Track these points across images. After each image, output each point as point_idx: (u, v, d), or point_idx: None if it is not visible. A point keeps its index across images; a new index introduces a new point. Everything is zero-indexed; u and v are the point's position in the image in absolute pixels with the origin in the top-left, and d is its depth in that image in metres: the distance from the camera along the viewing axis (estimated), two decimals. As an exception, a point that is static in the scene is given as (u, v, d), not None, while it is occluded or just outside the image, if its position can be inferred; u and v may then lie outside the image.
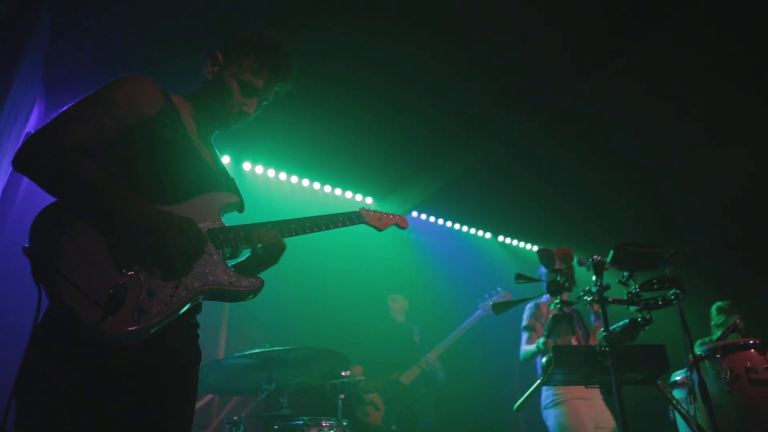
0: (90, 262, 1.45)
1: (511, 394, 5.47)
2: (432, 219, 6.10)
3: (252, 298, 1.70)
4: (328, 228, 1.99)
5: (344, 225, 2.06)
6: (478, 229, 6.37)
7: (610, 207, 5.96)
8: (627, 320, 2.70)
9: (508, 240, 6.57)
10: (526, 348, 3.66)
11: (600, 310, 2.63)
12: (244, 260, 1.83)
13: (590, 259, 2.66)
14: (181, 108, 1.86)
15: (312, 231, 1.94)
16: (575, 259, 3.55)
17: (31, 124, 3.44)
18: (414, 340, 4.79)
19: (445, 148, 5.18)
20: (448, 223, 6.20)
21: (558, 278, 2.83)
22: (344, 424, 3.21)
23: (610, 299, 2.57)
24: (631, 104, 4.70)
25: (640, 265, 2.72)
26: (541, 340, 3.45)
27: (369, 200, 5.76)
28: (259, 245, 1.76)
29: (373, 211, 2.23)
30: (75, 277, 1.40)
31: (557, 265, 2.86)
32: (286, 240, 1.84)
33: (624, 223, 6.15)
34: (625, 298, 2.67)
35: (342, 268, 5.07)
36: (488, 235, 6.45)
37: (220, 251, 1.68)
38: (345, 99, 4.58)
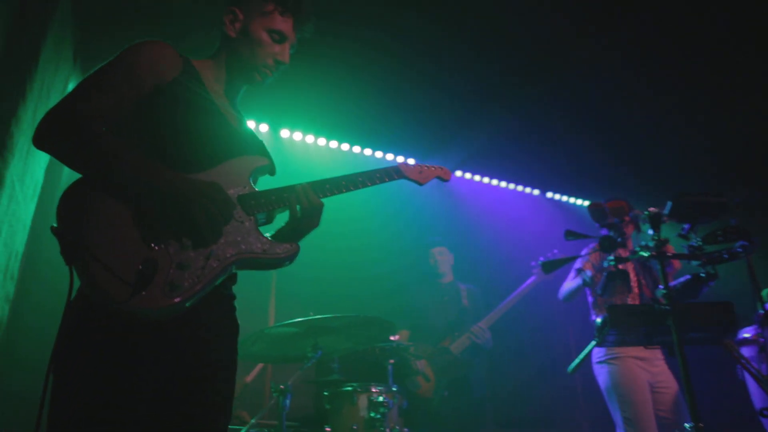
0: (118, 237, 1.42)
1: (567, 357, 5.35)
2: (477, 178, 5.92)
3: (288, 264, 1.64)
4: (365, 185, 1.89)
5: (382, 181, 1.94)
6: (525, 186, 6.14)
7: (665, 155, 5.61)
8: (689, 276, 2.52)
9: (557, 196, 6.32)
10: (569, 284, 3.48)
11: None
12: (281, 227, 1.77)
13: (646, 212, 2.48)
14: (203, 71, 1.80)
15: (348, 190, 1.85)
16: (630, 213, 3.35)
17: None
18: (463, 303, 4.63)
19: (487, 104, 4.96)
20: (494, 182, 6.01)
21: (611, 233, 2.67)
22: (394, 389, 3.18)
23: (669, 254, 2.40)
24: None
25: (702, 215, 2.51)
26: (588, 273, 3.24)
27: (411, 161, 5.61)
28: (298, 207, 1.69)
29: (413, 164, 2.11)
30: (103, 254, 1.37)
31: (609, 220, 2.69)
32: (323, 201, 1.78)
33: (681, 172, 5.80)
34: (686, 252, 2.48)
35: (383, 229, 4.98)
36: (536, 191, 6.22)
37: (252, 218, 1.63)
38: (381, 61, 4.43)
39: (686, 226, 2.56)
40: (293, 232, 1.73)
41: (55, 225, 1.40)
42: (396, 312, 4.61)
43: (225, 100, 1.84)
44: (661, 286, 2.50)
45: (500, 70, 4.63)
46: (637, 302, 3.38)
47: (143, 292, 1.37)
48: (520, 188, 6.14)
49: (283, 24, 1.81)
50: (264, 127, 5.06)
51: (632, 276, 3.47)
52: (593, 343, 2.56)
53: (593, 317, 3.45)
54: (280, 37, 1.81)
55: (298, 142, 5.19)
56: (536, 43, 4.33)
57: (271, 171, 1.83)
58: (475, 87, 4.79)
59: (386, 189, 5.16)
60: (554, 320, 5.12)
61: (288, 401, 2.65)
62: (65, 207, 1.43)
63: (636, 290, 3.45)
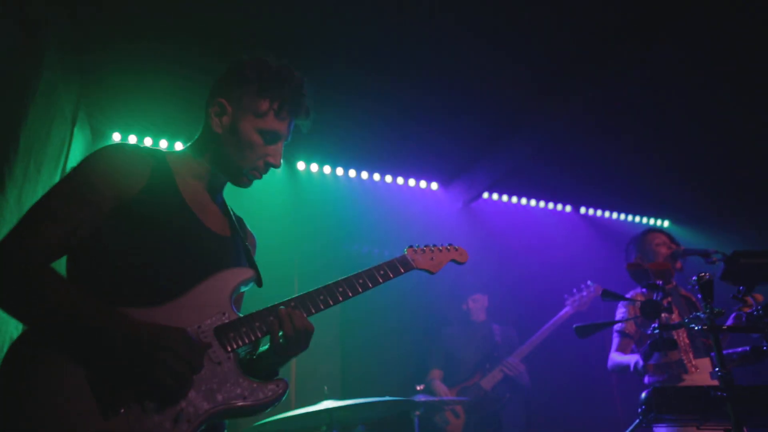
0: (67, 411, 1.20)
1: (609, 394, 5.03)
2: (505, 198, 5.63)
3: (271, 407, 1.41)
4: (366, 288, 1.66)
5: (387, 279, 1.71)
6: (557, 203, 5.81)
7: (708, 165, 5.21)
8: (747, 348, 2.22)
9: (591, 211, 5.97)
10: (618, 359, 3.16)
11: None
12: (263, 351, 1.55)
13: (694, 278, 2.18)
14: (179, 168, 1.59)
15: (347, 297, 1.62)
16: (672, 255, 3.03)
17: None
18: (495, 340, 4.42)
19: (511, 125, 4.67)
20: (523, 201, 5.70)
21: (653, 295, 2.38)
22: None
23: (725, 326, 2.10)
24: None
25: (760, 277, 2.21)
26: (637, 361, 2.92)
27: (434, 185, 5.38)
28: (281, 334, 1.46)
29: (423, 249, 1.87)
30: None
31: (652, 281, 2.40)
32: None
33: (718, 184, 5.40)
34: (743, 320, 2.18)
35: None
36: (568, 208, 5.89)
37: (230, 355, 1.40)
38: (397, 85, 4.19)
39: (741, 288, 2.26)
40: (276, 357, 1.51)
41: None
42: (428, 352, 4.44)
43: (206, 197, 1.64)
44: (713, 354, 2.21)
45: (522, 90, 4.35)
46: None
47: None
48: (551, 206, 5.81)
49: (279, 124, 1.59)
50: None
51: (675, 313, 3.14)
52: (636, 422, 2.28)
53: (644, 378, 3.07)
54: (273, 138, 1.59)
55: (315, 174, 4.99)
56: (561, 54, 4.03)
57: (258, 282, 1.61)
58: (498, 104, 4.50)
59: (404, 208, 5.01)
60: (596, 354, 4.81)
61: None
62: (6, 375, 1.23)
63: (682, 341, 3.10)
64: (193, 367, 1.30)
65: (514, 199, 5.65)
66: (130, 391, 1.26)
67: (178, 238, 1.48)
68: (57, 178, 2.91)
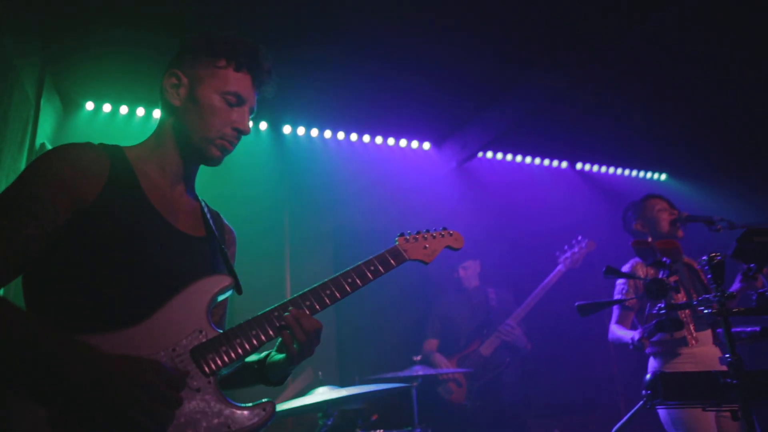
0: None
1: (607, 359, 5.03)
2: (499, 156, 5.46)
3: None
4: (356, 288, 1.52)
5: (378, 275, 1.57)
6: (552, 159, 5.65)
7: (709, 118, 5.04)
8: (758, 328, 2.13)
9: (587, 167, 5.82)
10: (618, 332, 3.05)
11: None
12: (278, 360, 1.45)
13: (704, 257, 2.06)
14: (140, 164, 1.42)
15: (335, 300, 1.48)
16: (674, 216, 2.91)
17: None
18: (491, 305, 4.36)
19: (507, 81, 4.45)
20: (518, 158, 5.53)
21: (659, 273, 2.27)
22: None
23: (734, 309, 1.99)
24: None
25: (774, 255, 2.09)
26: (633, 337, 2.81)
27: (426, 145, 5.20)
28: (295, 345, 1.37)
29: (415, 237, 1.70)
30: None
31: (658, 258, 2.28)
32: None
33: (716, 137, 5.24)
34: (755, 300, 2.08)
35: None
36: (564, 164, 5.73)
37: (210, 379, 1.27)
38: (386, 40, 3.94)
39: (752, 265, 2.15)
40: (290, 365, 1.42)
41: None
42: (423, 322, 4.39)
43: (175, 193, 1.47)
44: (720, 331, 2.12)
45: (517, 48, 4.10)
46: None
47: None
48: (547, 162, 5.65)
49: (239, 83, 1.44)
50: (263, 125, 4.66)
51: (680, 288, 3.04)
52: (640, 404, 2.21)
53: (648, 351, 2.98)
54: (237, 100, 1.44)
55: (302, 137, 4.78)
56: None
57: (237, 289, 1.47)
58: (492, 60, 4.26)
59: (399, 178, 4.84)
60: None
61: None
62: None
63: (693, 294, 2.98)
64: (171, 403, 1.18)
65: (509, 157, 5.49)
66: (109, 430, 1.13)
67: (145, 246, 1.33)
68: (23, 162, 2.72)
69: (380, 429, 3.02)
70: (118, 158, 1.39)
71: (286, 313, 1.39)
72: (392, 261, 1.61)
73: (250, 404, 1.31)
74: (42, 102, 3.22)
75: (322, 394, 2.61)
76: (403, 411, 3.67)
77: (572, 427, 4.53)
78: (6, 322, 1.14)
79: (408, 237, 1.70)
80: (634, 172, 6.00)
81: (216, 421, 1.24)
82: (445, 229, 1.80)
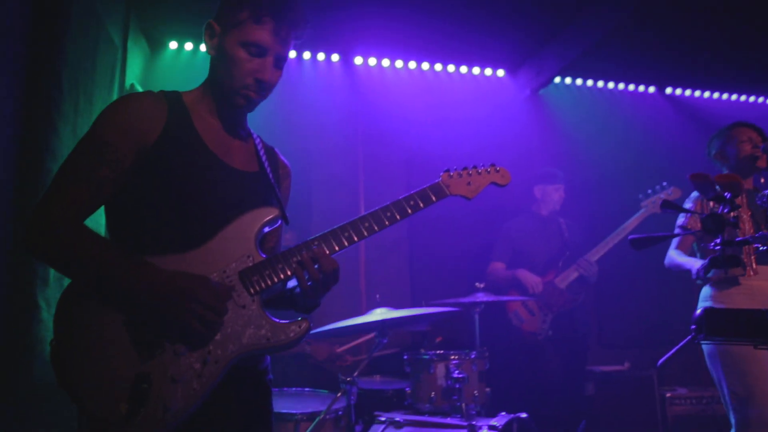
0: (110, 352, 1.34)
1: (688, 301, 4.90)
2: (579, 82, 5.21)
3: (295, 346, 1.50)
4: (394, 221, 1.62)
5: (418, 209, 1.65)
6: (638, 84, 5.30)
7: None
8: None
9: (678, 91, 5.41)
10: (677, 259, 2.94)
11: None
12: (292, 292, 1.61)
13: (766, 192, 1.96)
14: (195, 107, 1.58)
15: (373, 232, 1.59)
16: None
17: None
18: (564, 236, 4.29)
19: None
20: (599, 83, 5.25)
21: (721, 209, 2.18)
22: (472, 356, 3.09)
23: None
24: None
25: None
26: (698, 270, 2.74)
27: (501, 72, 5.06)
28: (308, 278, 1.50)
29: (459, 173, 1.76)
30: (95, 377, 1.32)
31: (718, 193, 2.19)
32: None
33: None
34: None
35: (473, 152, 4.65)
36: (652, 89, 5.37)
37: (254, 298, 1.47)
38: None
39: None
40: (308, 300, 1.57)
41: (53, 340, 1.37)
42: (491, 243, 4.38)
43: (228, 131, 1.62)
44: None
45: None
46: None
47: (137, 419, 1.30)
48: (632, 87, 5.32)
49: (260, 33, 1.50)
50: (335, 57, 4.74)
51: (747, 219, 2.88)
52: (688, 338, 2.21)
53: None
54: (258, 50, 1.51)
55: (373, 68, 4.82)
56: None
57: (284, 220, 1.63)
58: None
59: (473, 108, 4.79)
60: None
61: (354, 396, 2.65)
62: (59, 320, 1.37)
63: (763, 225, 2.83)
64: (218, 313, 1.38)
65: (590, 83, 5.22)
66: (163, 337, 1.37)
67: (201, 182, 1.49)
68: (114, 102, 3.01)
69: (441, 350, 3.20)
70: (176, 103, 1.55)
71: (304, 252, 1.50)
72: (433, 197, 1.68)
73: (287, 321, 1.49)
74: (129, 45, 3.48)
75: (379, 314, 2.81)
76: (465, 334, 3.84)
77: (643, 361, 4.52)
78: (89, 248, 1.39)
79: (452, 173, 1.76)
80: (734, 96, 5.51)
81: (258, 333, 1.44)
82: (492, 165, 1.84)
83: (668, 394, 4.28)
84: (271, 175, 1.67)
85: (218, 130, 1.60)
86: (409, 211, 1.64)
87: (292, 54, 4.51)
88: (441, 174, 1.76)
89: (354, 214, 1.65)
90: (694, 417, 4.21)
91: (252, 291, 1.47)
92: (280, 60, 1.56)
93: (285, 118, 4.40)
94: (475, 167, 1.81)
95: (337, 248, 1.56)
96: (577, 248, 4.19)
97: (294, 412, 2.65)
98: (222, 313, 1.40)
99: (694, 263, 2.82)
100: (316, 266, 1.49)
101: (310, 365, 3.57)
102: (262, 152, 1.70)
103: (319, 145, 4.61)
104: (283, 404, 2.77)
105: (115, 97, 3.08)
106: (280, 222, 1.62)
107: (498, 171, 1.84)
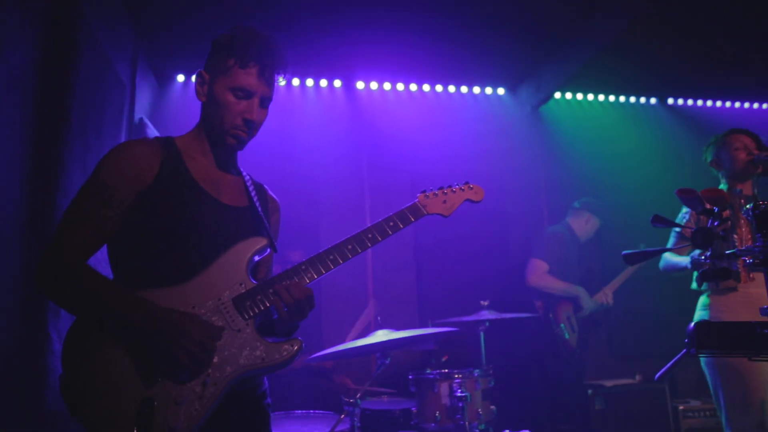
0: (116, 382, 1.44)
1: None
2: (579, 96, 5.26)
3: (289, 364, 1.58)
4: (375, 242, 1.73)
5: (397, 230, 1.77)
6: (639, 96, 5.34)
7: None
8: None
9: (680, 101, 5.44)
10: (672, 258, 2.96)
11: None
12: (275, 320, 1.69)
13: (749, 206, 1.99)
14: (188, 150, 1.71)
15: (356, 253, 1.71)
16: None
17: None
18: (591, 264, 4.38)
19: (582, 14, 4.23)
20: (600, 97, 5.30)
21: (709, 224, 2.22)
22: (476, 374, 3.12)
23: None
24: None
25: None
26: (691, 255, 2.74)
27: (501, 91, 5.14)
28: (284, 307, 1.59)
29: (435, 193, 1.90)
30: (104, 404, 1.41)
31: (706, 206, 2.23)
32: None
33: None
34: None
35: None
36: (653, 100, 5.40)
37: (249, 322, 1.56)
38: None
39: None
40: (286, 325, 1.66)
41: (61, 373, 1.46)
42: (532, 241, 4.40)
43: (218, 171, 1.74)
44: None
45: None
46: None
47: None
48: (633, 99, 5.36)
49: (246, 78, 1.62)
50: (337, 83, 4.86)
51: (742, 223, 2.89)
52: (683, 352, 2.23)
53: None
54: (245, 94, 1.64)
55: (375, 92, 4.93)
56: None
57: (272, 248, 1.74)
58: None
59: (475, 127, 4.86)
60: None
61: (357, 417, 2.71)
62: (66, 355, 1.47)
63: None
64: (205, 349, 1.48)
65: (590, 96, 5.27)
66: (163, 364, 1.46)
67: (194, 218, 1.61)
68: (122, 138, 3.14)
69: (446, 369, 3.24)
70: (170, 148, 1.68)
71: (278, 284, 1.59)
72: (411, 217, 1.80)
73: (280, 340, 1.58)
74: (137, 80, 3.63)
75: (380, 336, 2.87)
76: (473, 352, 3.86)
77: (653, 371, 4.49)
78: (91, 287, 1.50)
79: (428, 193, 1.89)
80: (744, 104, 5.50)
81: (253, 354, 1.54)
82: (467, 183, 1.96)
83: (681, 407, 4.26)
84: (260, 209, 1.78)
85: (209, 169, 1.72)
86: (389, 231, 1.76)
87: (296, 82, 4.68)
88: (418, 195, 1.88)
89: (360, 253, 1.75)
90: (707, 430, 4.18)
91: (246, 316, 1.56)
92: (266, 100, 1.69)
93: (288, 145, 4.53)
94: (450, 186, 1.93)
95: (323, 271, 1.66)
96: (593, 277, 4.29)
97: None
98: (209, 348, 1.49)
99: (688, 259, 2.84)
100: (290, 295, 1.58)
101: (317, 385, 3.62)
102: (251, 188, 1.81)
103: (325, 169, 4.71)
104: (290, 427, 2.83)
105: (123, 132, 3.22)
106: (269, 251, 1.73)
107: (472, 188, 1.95)
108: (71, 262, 1.50)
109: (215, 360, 1.49)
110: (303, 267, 1.65)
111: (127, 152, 1.61)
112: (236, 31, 1.66)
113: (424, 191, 1.89)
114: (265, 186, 1.93)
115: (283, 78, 1.72)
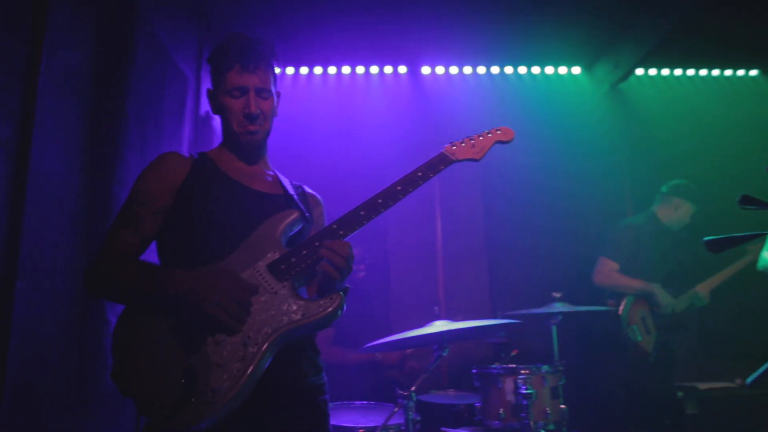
0: (160, 357, 1.48)
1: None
2: (665, 72, 4.83)
3: (334, 318, 1.54)
4: (407, 192, 1.71)
5: (427, 179, 1.74)
6: (736, 67, 4.81)
7: None
8: None
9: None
10: None
11: None
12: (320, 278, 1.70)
13: None
14: (219, 156, 1.81)
15: (388, 206, 1.69)
16: None
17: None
18: (681, 256, 3.94)
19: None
20: (689, 71, 4.83)
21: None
22: (543, 370, 2.92)
23: None
24: None
25: None
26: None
27: (576, 70, 4.82)
28: (329, 262, 1.58)
29: (462, 141, 1.86)
30: (151, 380, 1.45)
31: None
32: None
33: None
34: None
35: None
36: (755, 72, 4.86)
37: (285, 284, 1.56)
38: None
39: None
40: (333, 284, 1.64)
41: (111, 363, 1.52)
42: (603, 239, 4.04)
43: (251, 170, 1.82)
44: None
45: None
46: None
47: (191, 406, 1.40)
48: (728, 72, 4.84)
49: (235, 77, 1.71)
50: (402, 69, 4.75)
51: None
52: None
53: None
54: (240, 92, 1.72)
55: (441, 77, 4.78)
56: None
57: (306, 221, 1.76)
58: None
59: (550, 108, 4.59)
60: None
61: (412, 412, 2.60)
62: (114, 342, 1.54)
63: None
64: (240, 302, 1.48)
65: (678, 71, 4.82)
66: (202, 331, 1.48)
67: (227, 204, 1.69)
68: (184, 132, 3.22)
69: (513, 364, 3.07)
70: (201, 155, 1.80)
71: (317, 243, 1.60)
72: (440, 165, 1.78)
73: (319, 298, 1.56)
74: (202, 74, 3.72)
75: (438, 326, 2.75)
76: (544, 346, 3.64)
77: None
78: (127, 271, 1.60)
79: (455, 143, 1.85)
80: None
81: (290, 312, 1.53)
82: (494, 128, 1.91)
83: (791, 416, 3.79)
84: (296, 197, 1.83)
85: (242, 167, 1.81)
86: (419, 182, 1.72)
87: (360, 69, 4.62)
88: (444, 146, 1.85)
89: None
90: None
91: (281, 279, 1.58)
92: (262, 91, 1.73)
93: (356, 134, 4.50)
94: (477, 134, 1.89)
95: (357, 227, 1.66)
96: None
97: (355, 425, 2.65)
98: (245, 303, 1.51)
99: None
100: (334, 250, 1.58)
101: (379, 377, 3.55)
102: (286, 183, 1.87)
103: (404, 161, 4.58)
104: (346, 418, 2.78)
105: (187, 124, 3.30)
106: (302, 225, 1.75)
107: (500, 131, 1.90)
108: (110, 263, 1.60)
109: (254, 322, 1.50)
110: (335, 226, 1.65)
111: (159, 161, 1.74)
112: (220, 44, 1.76)
113: (451, 142, 1.86)
114: (304, 186, 1.97)
115: (277, 66, 1.78)
